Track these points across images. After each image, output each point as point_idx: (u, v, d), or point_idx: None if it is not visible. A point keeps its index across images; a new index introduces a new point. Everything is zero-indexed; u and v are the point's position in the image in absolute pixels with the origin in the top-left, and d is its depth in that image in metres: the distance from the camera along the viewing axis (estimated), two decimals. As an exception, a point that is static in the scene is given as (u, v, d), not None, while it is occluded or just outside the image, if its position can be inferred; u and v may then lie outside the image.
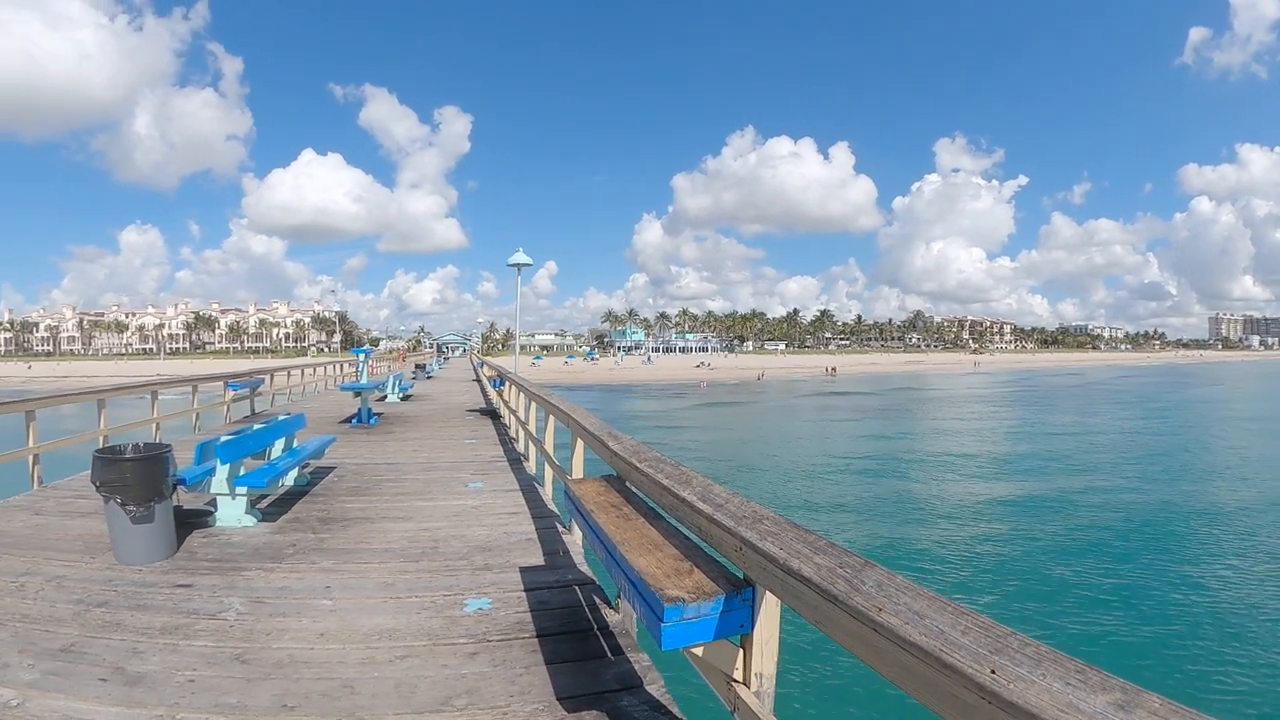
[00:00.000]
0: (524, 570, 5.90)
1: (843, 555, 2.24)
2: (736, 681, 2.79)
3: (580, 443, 6.53)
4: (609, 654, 4.32)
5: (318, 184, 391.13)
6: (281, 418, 9.47)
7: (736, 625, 2.71)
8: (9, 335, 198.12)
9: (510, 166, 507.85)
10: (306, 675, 4.15)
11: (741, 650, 2.78)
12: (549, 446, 8.62)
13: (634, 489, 4.20)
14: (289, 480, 8.79)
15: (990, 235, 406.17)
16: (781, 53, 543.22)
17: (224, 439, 7.44)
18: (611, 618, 4.83)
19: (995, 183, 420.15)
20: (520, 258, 19.96)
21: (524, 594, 5.35)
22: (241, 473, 7.57)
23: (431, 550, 6.53)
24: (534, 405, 10.61)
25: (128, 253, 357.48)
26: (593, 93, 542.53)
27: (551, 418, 8.46)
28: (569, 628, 4.73)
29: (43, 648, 4.65)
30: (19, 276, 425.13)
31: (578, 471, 6.61)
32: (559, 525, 7.28)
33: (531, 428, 10.68)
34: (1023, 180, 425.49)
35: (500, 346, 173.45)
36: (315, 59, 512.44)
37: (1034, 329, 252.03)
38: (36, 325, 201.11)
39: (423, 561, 6.20)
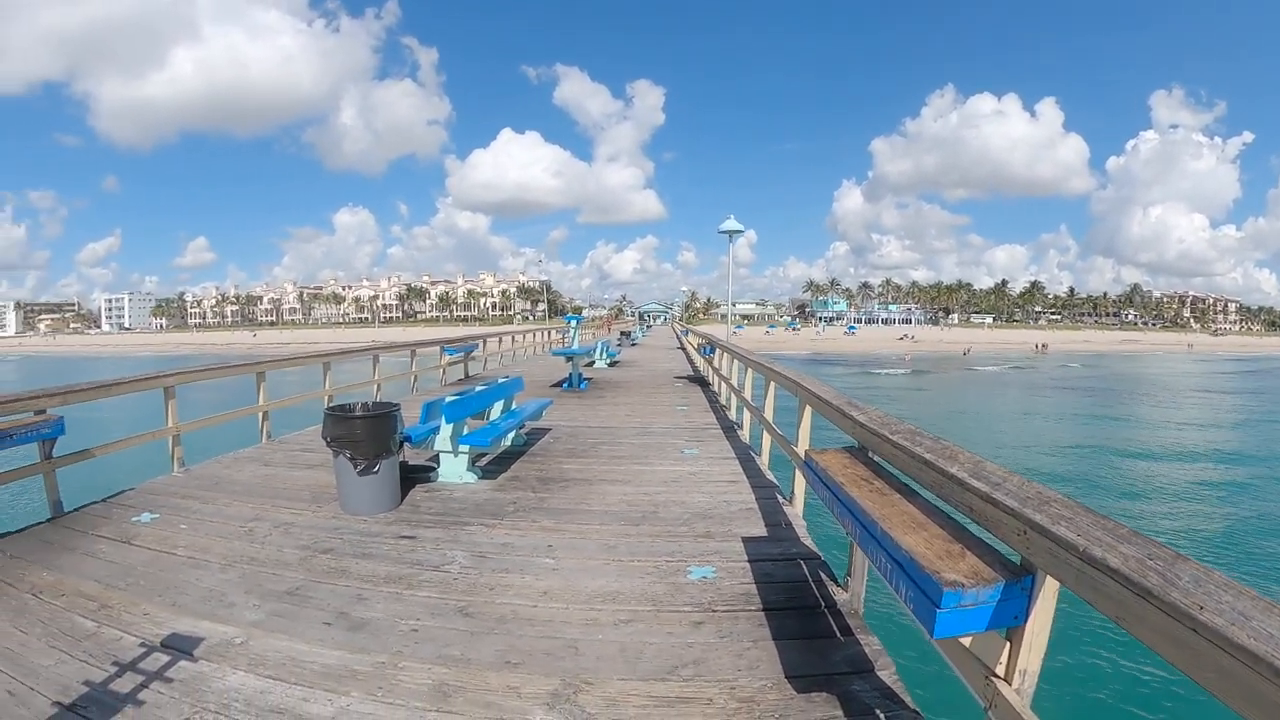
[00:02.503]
0: (746, 540, 5.71)
1: (1150, 545, 1.96)
2: (997, 677, 2.53)
3: (808, 411, 6.29)
4: (838, 634, 4.09)
5: (517, 161, 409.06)
6: (501, 380, 9.66)
7: (1010, 616, 2.43)
8: (235, 308, 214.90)
9: (705, 136, 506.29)
10: (529, 633, 4.14)
11: (1008, 643, 2.50)
12: (769, 415, 8.36)
13: (880, 461, 3.93)
14: (508, 440, 9.00)
15: (1213, 199, 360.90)
16: (978, 4, 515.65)
17: (449, 399, 7.65)
18: (839, 596, 4.59)
19: (1218, 140, 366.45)
20: (731, 224, 19.68)
21: (748, 565, 5.17)
22: (465, 432, 7.77)
23: (652, 515, 6.45)
24: (750, 373, 10.46)
25: (342, 232, 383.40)
26: (785, 61, 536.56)
27: (773, 385, 8.22)
28: (795, 603, 4.52)
29: (269, 589, 4.87)
30: (244, 256, 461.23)
31: (804, 442, 6.35)
32: (779, 496, 7.06)
33: (747, 395, 10.46)
34: (1248, 137, 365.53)
35: (701, 315, 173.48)
36: (505, 44, 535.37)
37: (1261, 308, 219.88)
38: (260, 299, 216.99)
39: (643, 526, 6.13)
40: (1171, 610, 1.66)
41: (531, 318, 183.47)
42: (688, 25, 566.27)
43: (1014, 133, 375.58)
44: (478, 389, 8.70)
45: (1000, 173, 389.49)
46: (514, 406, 9.81)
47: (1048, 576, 2.30)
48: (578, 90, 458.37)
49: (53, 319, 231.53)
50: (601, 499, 6.97)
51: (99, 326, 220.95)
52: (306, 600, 4.66)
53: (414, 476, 7.54)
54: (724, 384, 14.49)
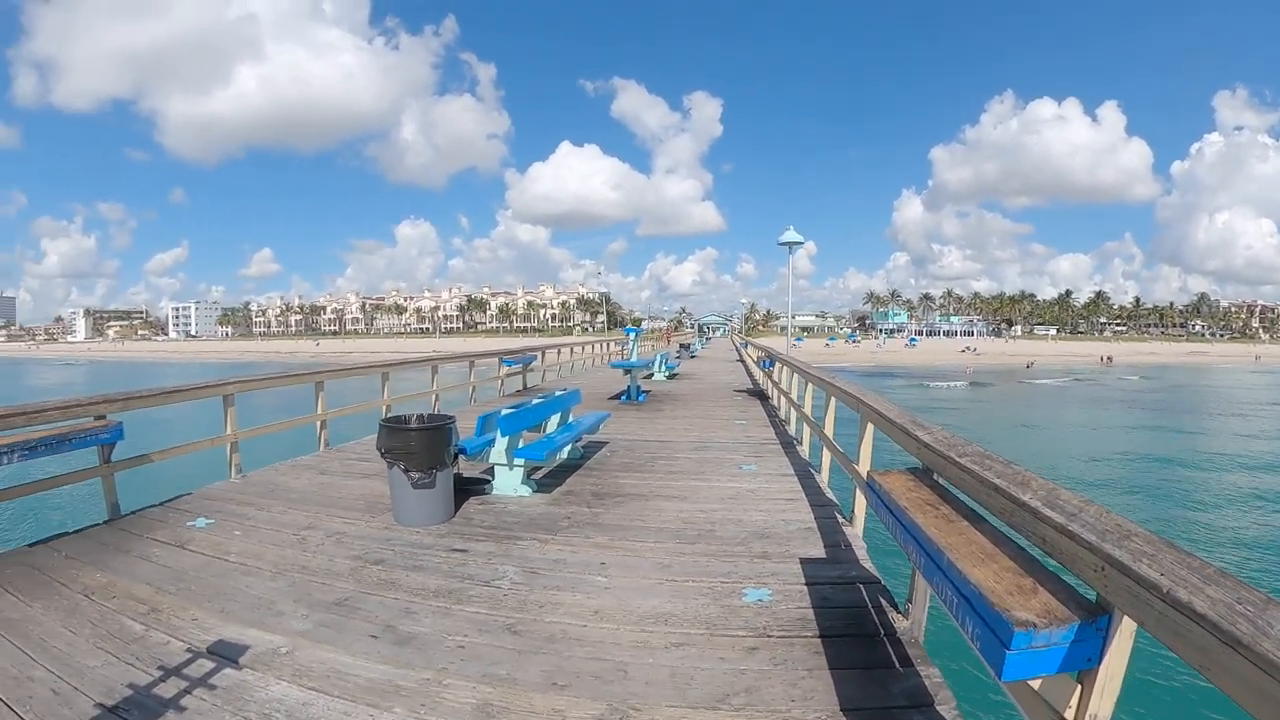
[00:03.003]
0: (804, 562, 5.56)
1: (1239, 588, 1.81)
2: (1066, 721, 2.37)
3: (870, 429, 6.14)
4: (897, 664, 3.93)
5: (576, 174, 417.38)
6: (559, 393, 9.62)
7: (1083, 658, 2.28)
8: (299, 317, 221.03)
9: (764, 147, 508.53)
10: (578, 653, 4.04)
11: (1079, 686, 2.35)
12: (829, 431, 8.21)
13: (946, 484, 3.78)
14: (564, 454, 8.97)
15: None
16: (1034, 7, 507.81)
17: (505, 412, 7.63)
18: (899, 624, 4.42)
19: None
20: (791, 235, 19.37)
21: (805, 588, 5.01)
22: (520, 445, 7.74)
23: (708, 533, 6.32)
24: (810, 387, 10.29)
25: (404, 244, 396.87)
26: (842, 69, 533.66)
27: (833, 400, 8.07)
28: (854, 630, 4.36)
29: (317, 599, 4.85)
30: (308, 267, 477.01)
31: (865, 461, 6.22)
32: (838, 516, 6.87)
33: (807, 410, 10.31)
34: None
35: (760, 327, 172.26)
36: (562, 58, 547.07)
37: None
38: (324, 309, 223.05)
39: (699, 544, 6.00)
40: (1262, 662, 1.53)
41: (591, 329, 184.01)
42: (744, 36, 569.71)
43: (1075, 138, 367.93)
44: (534, 402, 8.66)
45: (1062, 179, 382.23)
46: (571, 419, 9.77)
47: (1125, 617, 2.16)
48: (635, 103, 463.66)
49: (121, 326, 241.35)
50: (657, 515, 6.86)
51: (166, 334, 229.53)
52: (354, 611, 4.63)
53: (468, 489, 7.51)
54: (783, 398, 14.32)
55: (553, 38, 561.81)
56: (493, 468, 7.68)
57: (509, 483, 7.56)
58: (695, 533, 6.31)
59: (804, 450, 10.42)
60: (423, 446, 6.41)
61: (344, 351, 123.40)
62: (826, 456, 8.47)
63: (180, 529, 6.49)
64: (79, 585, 5.12)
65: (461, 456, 7.11)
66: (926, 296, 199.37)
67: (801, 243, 19.71)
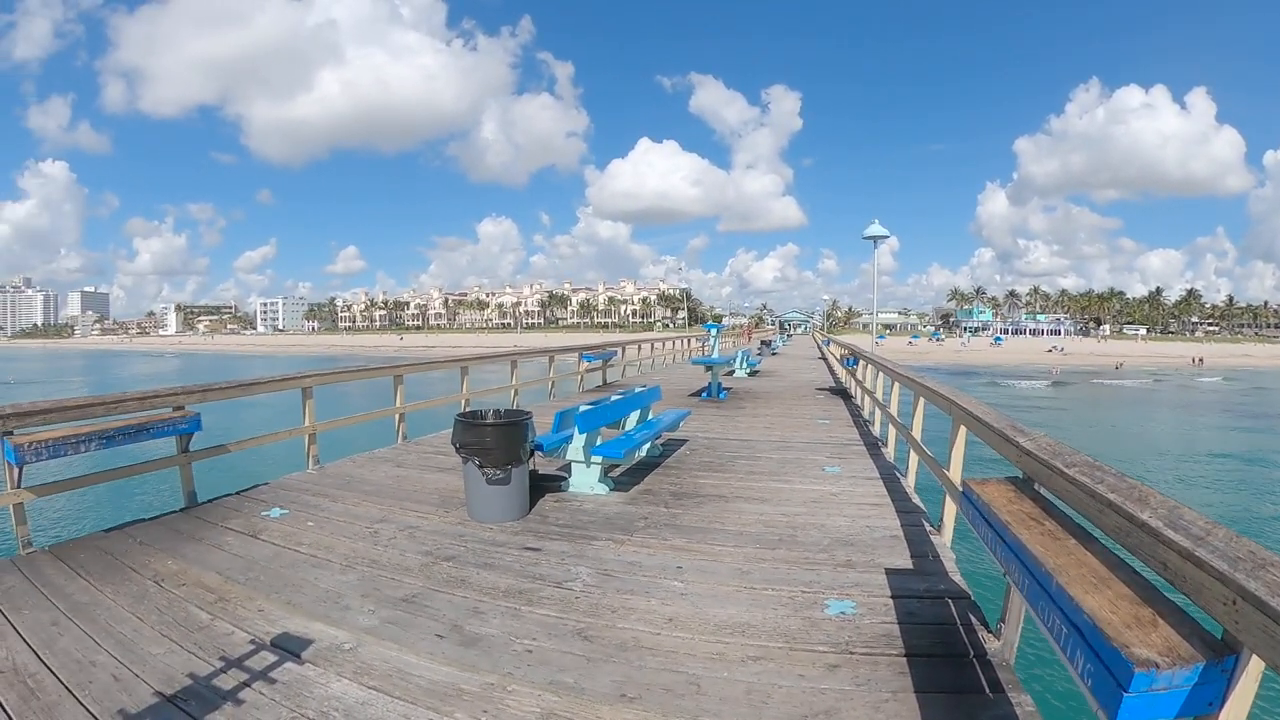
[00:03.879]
0: (890, 572, 5.31)
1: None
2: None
3: (962, 433, 5.90)
4: (987, 689, 3.67)
5: (656, 170, 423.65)
6: (638, 389, 9.47)
7: (1204, 702, 2.02)
8: (383, 313, 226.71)
9: (845, 141, 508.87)
10: (650, 664, 3.88)
11: (1198, 733, 2.10)
12: (917, 434, 7.89)
13: (1049, 496, 3.53)
14: (643, 451, 8.81)
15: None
16: None
17: (583, 408, 7.54)
18: (990, 644, 4.16)
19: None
20: (875, 229, 18.93)
21: (890, 601, 4.77)
22: (598, 442, 7.62)
23: (789, 538, 6.08)
24: (896, 387, 10.03)
25: (486, 241, 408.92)
26: (922, 59, 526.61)
27: (922, 401, 7.81)
28: (941, 650, 4.11)
29: (386, 594, 4.79)
30: (392, 264, 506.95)
31: (957, 466, 5.98)
32: (925, 523, 6.58)
33: (893, 410, 9.99)
34: None
35: (842, 325, 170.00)
36: (639, 55, 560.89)
37: None
38: (408, 304, 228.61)
39: (780, 550, 5.77)
40: None
41: (671, 325, 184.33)
42: (821, 27, 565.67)
43: (1164, 127, 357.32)
44: (613, 398, 8.56)
45: (1151, 171, 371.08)
46: (651, 416, 9.62)
47: (1254, 657, 1.92)
48: (713, 98, 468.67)
49: (211, 320, 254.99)
50: (737, 518, 6.66)
51: (254, 328, 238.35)
52: (422, 609, 4.56)
53: (544, 485, 7.44)
54: (868, 398, 13.98)
55: (628, 35, 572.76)
56: (569, 464, 7.58)
57: (586, 480, 7.45)
58: (776, 537, 6.09)
59: (889, 452, 10.10)
60: (498, 442, 6.33)
61: (427, 346, 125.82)
62: (914, 460, 8.18)
63: (254, 518, 6.55)
64: (150, 571, 5.18)
65: (538, 453, 7.00)
66: (1012, 294, 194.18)
67: (886, 236, 19.22)
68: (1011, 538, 3.03)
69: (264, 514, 6.68)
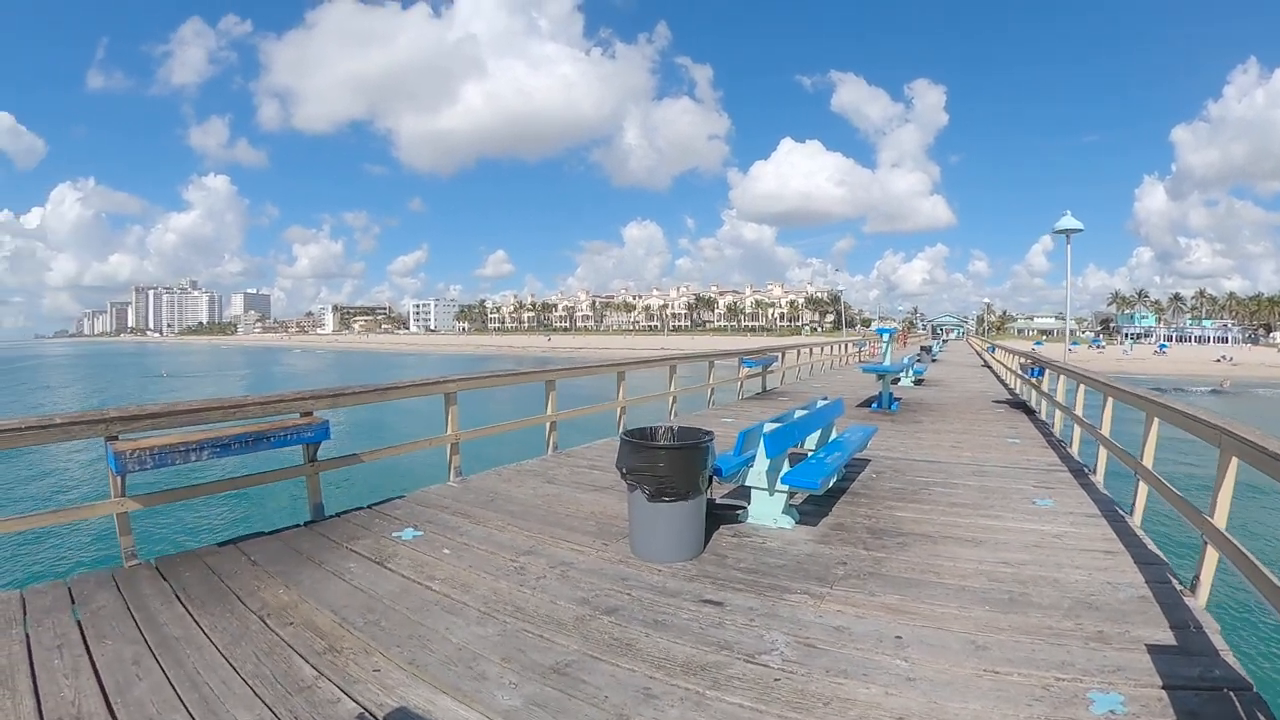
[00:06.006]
0: (1151, 650, 4.04)
1: None
2: None
3: (1233, 466, 4.61)
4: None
5: (799, 171, 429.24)
6: (821, 403, 8.25)
7: None
8: (531, 314, 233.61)
9: (992, 136, 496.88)
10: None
11: None
12: (1148, 461, 6.63)
13: None
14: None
15: None
16: None
17: (770, 427, 6.44)
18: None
19: None
20: (1068, 221, 17.21)
21: (1163, 694, 3.55)
22: (786, 467, 6.51)
23: (1021, 597, 4.84)
24: (1111, 404, 8.57)
25: (631, 244, 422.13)
26: (1069, 44, 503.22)
27: (1155, 423, 6.54)
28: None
29: (532, 660, 3.86)
30: (540, 267, 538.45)
31: (1223, 511, 4.72)
32: (1172, 579, 5.20)
33: (1106, 431, 8.54)
34: None
35: (997, 329, 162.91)
36: (777, 55, 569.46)
37: None
38: (555, 306, 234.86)
39: (1014, 614, 4.55)
40: None
41: (819, 329, 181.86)
42: (961, 15, 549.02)
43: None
44: (797, 414, 7.41)
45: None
46: (834, 434, 8.40)
47: None
48: (855, 95, 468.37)
49: (366, 320, 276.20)
50: (952, 566, 5.43)
51: (407, 328, 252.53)
52: (578, 685, 3.56)
53: (718, 515, 6.35)
54: (1058, 412, 12.45)
55: (765, 36, 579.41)
56: (748, 490, 6.49)
57: (768, 511, 6.35)
58: (1005, 595, 4.86)
59: (1098, 480, 8.58)
60: (674, 468, 5.30)
61: (575, 347, 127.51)
62: (1142, 493, 6.81)
63: (384, 540, 5.84)
64: (257, 601, 4.54)
65: (715, 478, 5.92)
66: (1176, 297, 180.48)
67: (1079, 229, 17.36)
68: None
69: (395, 535, 5.95)
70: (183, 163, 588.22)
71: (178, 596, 4.59)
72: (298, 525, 6.24)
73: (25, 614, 4.31)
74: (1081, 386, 10.65)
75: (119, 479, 5.24)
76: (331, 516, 6.47)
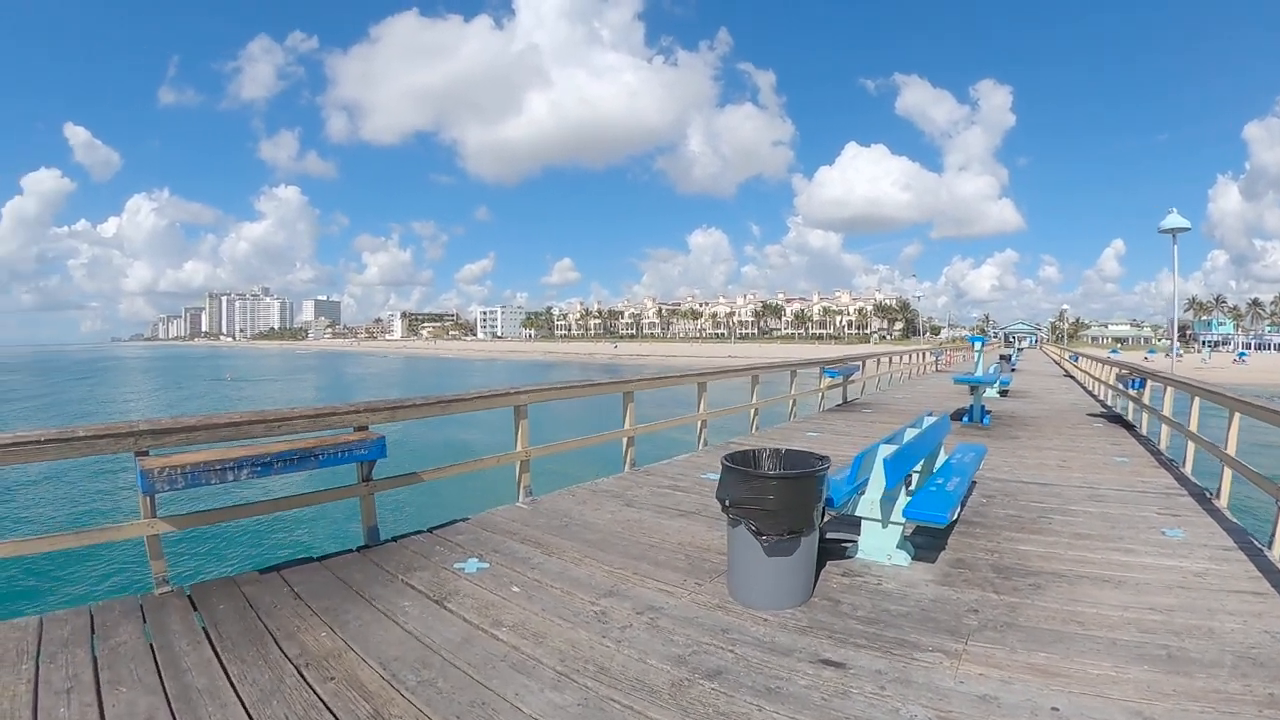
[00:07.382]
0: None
1: None
2: None
3: None
4: None
5: (865, 176, 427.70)
6: (929, 420, 7.27)
7: None
8: (598, 321, 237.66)
9: (1060, 136, 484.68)
10: None
11: None
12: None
13: None
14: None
15: None
16: None
17: (887, 450, 5.58)
18: None
19: None
20: (1174, 220, 16.18)
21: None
22: (903, 495, 5.73)
23: (1179, 653, 4.03)
24: (1237, 420, 7.67)
25: (696, 252, 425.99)
26: (1136, 38, 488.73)
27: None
28: None
29: None
30: (605, 275, 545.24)
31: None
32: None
33: (1230, 450, 7.61)
34: None
35: (1070, 338, 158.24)
36: (840, 59, 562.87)
37: None
38: (621, 314, 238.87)
39: (1176, 675, 3.75)
40: None
41: (888, 336, 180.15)
42: (1025, 14, 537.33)
43: None
44: (908, 434, 6.49)
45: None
46: (943, 455, 7.53)
47: None
48: (920, 98, 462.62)
49: (434, 327, 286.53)
50: (1095, 614, 4.61)
51: (474, 334, 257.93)
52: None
53: (825, 547, 5.47)
54: (1164, 428, 11.53)
55: (827, 40, 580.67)
56: (858, 521, 5.69)
57: (881, 546, 5.55)
58: (1162, 651, 4.05)
59: (1220, 504, 7.67)
60: (786, 501, 4.51)
61: (641, 354, 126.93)
62: (1281, 524, 5.93)
63: (444, 572, 5.24)
64: (295, 646, 3.95)
65: (827, 509, 5.15)
66: (1255, 303, 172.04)
67: (1187, 228, 16.29)
68: None
69: (457, 566, 5.34)
70: (254, 174, 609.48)
71: (207, 634, 4.10)
72: (349, 550, 5.70)
73: (40, 646, 3.91)
74: (1196, 400, 9.66)
75: (148, 499, 4.80)
76: (387, 541, 5.92)
